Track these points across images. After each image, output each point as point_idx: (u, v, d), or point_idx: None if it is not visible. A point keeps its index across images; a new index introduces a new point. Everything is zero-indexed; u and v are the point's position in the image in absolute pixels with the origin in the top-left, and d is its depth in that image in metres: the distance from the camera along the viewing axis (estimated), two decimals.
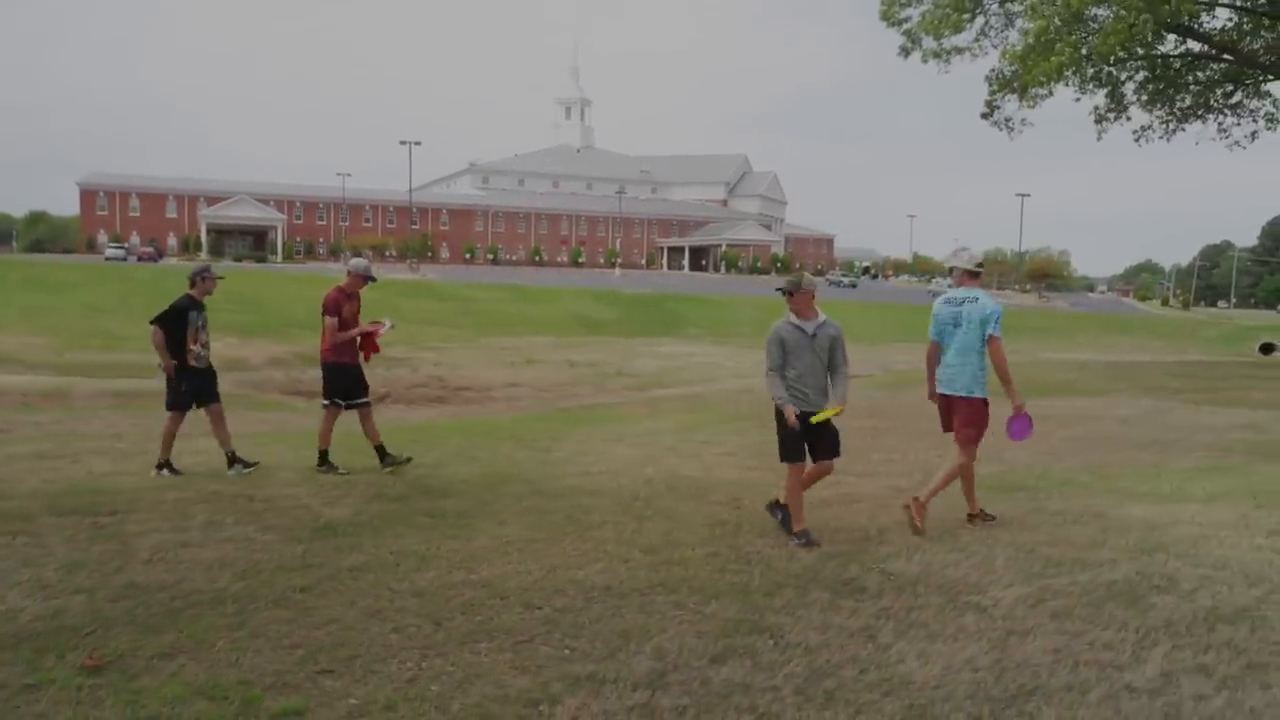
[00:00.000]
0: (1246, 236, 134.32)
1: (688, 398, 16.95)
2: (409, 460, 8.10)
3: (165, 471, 7.63)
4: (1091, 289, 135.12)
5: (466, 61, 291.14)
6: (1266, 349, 51.94)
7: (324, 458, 7.99)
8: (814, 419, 5.80)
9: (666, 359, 30.04)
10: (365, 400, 8.10)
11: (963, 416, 6.11)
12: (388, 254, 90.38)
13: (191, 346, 7.55)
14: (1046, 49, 21.84)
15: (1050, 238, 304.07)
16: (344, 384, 7.98)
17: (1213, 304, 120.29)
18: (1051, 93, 23.41)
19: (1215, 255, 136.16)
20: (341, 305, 7.84)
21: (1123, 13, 20.93)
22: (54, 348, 23.77)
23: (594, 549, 5.75)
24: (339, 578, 5.03)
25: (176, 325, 7.53)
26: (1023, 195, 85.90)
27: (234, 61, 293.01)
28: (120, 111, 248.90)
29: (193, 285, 7.74)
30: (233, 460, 7.77)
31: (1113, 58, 22.30)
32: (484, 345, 34.92)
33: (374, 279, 8.13)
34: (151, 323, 7.56)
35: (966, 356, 6.06)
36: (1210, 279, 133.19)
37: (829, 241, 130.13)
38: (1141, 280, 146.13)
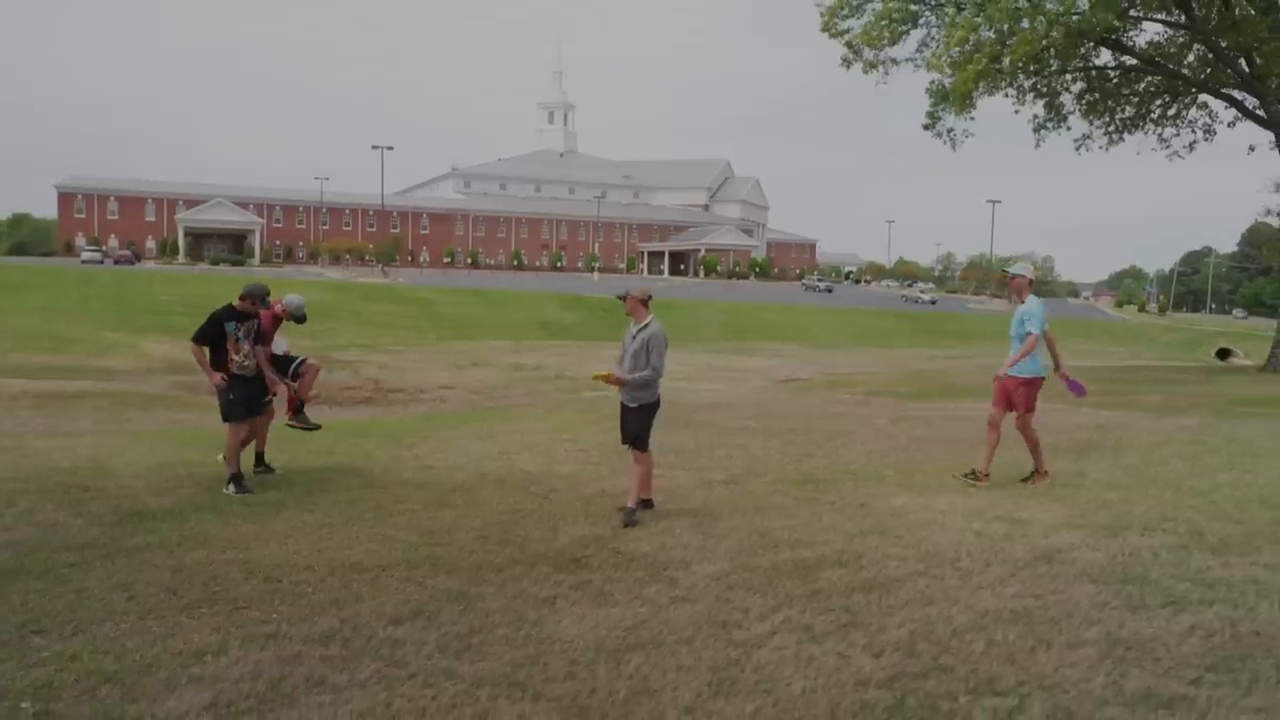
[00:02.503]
0: (1233, 243, 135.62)
1: (595, 400, 17.46)
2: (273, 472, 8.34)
3: (232, 488, 7.43)
4: (1075, 294, 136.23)
5: (458, 63, 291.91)
6: (1222, 354, 52.81)
7: (260, 459, 8.33)
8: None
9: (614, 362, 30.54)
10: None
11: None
12: (366, 258, 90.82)
13: (234, 356, 7.76)
14: (966, 59, 22.51)
15: (1039, 244, 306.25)
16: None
17: (1194, 309, 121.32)
18: (973, 103, 24.05)
19: (1195, 261, 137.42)
20: (271, 334, 8.21)
21: (1038, 26, 21.64)
22: (0, 349, 24.23)
23: (376, 533, 6.28)
24: (114, 556, 5.56)
25: (216, 337, 7.76)
26: (993, 201, 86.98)
27: (224, 61, 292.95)
28: (110, 112, 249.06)
29: (241, 299, 8.02)
30: (259, 461, 8.16)
31: (1030, 68, 22.95)
32: (441, 349, 35.47)
33: (304, 320, 8.44)
34: (192, 340, 7.85)
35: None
36: (1190, 284, 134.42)
37: (811, 247, 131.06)
38: (1124, 286, 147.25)
